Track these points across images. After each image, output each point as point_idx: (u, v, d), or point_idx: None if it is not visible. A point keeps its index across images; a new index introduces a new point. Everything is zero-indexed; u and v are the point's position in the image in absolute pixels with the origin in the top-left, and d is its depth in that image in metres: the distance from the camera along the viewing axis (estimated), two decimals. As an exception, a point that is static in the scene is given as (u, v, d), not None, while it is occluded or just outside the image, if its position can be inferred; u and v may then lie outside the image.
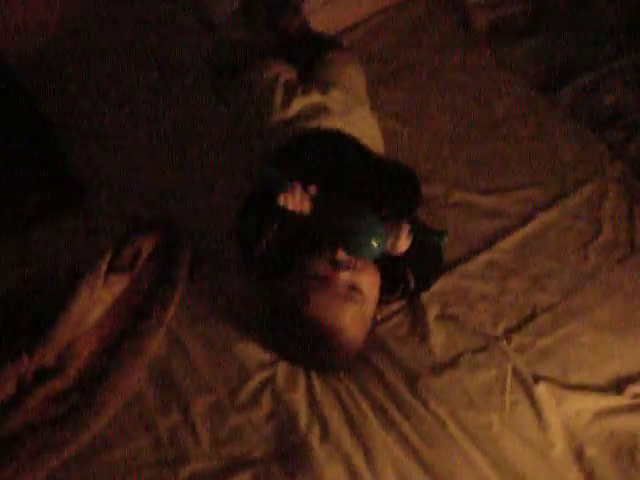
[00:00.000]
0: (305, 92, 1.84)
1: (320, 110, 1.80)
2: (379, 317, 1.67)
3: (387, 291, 1.65)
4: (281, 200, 1.50)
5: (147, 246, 1.73)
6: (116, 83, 2.19)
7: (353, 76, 1.97)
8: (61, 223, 1.88)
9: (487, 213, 1.89)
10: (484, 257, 1.80)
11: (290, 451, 1.51)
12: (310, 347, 1.56)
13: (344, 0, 2.32)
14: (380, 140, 1.87)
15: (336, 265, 1.55)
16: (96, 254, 1.69)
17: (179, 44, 2.24)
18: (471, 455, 1.51)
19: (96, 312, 1.65)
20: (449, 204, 1.91)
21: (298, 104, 1.81)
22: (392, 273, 1.63)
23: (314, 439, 1.52)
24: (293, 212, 1.52)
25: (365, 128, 1.84)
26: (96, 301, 1.64)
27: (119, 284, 1.68)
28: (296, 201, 1.51)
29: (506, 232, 1.85)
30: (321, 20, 2.26)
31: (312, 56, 2.00)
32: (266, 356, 1.65)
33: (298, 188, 1.51)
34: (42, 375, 1.58)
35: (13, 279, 1.75)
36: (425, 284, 1.70)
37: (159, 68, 2.21)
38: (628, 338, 1.67)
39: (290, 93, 1.83)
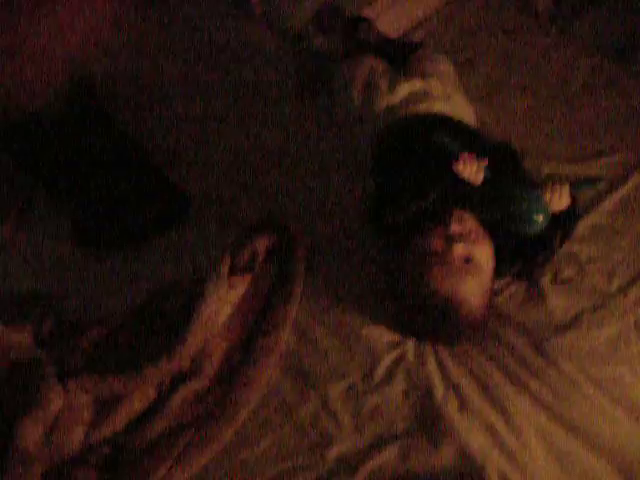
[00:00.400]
0: (407, 79, 1.91)
1: (424, 95, 1.88)
2: (496, 287, 1.71)
3: (506, 262, 1.71)
4: (460, 167, 1.61)
5: (263, 246, 1.81)
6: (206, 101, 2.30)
7: (444, 68, 2.05)
8: (174, 234, 1.97)
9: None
10: (588, 221, 1.84)
11: (431, 423, 1.56)
12: (434, 321, 1.62)
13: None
14: (475, 124, 1.95)
15: (450, 240, 1.60)
16: (215, 259, 1.77)
17: (261, 61, 2.34)
18: (607, 408, 1.54)
19: (224, 314, 1.72)
20: (543, 176, 1.96)
21: (403, 89, 1.89)
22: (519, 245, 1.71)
23: (452, 409, 1.57)
24: (462, 181, 1.62)
25: (465, 113, 1.92)
26: (223, 303, 1.72)
27: (242, 285, 1.75)
28: (472, 170, 1.61)
29: (605, 195, 1.89)
30: (390, 20, 2.35)
31: (399, 57, 2.07)
32: (394, 336, 1.71)
33: (474, 158, 1.60)
34: (179, 379, 1.66)
35: (139, 292, 1.83)
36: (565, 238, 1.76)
37: (242, 85, 2.30)
38: None
39: (393, 80, 1.91)
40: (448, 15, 2.45)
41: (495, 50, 2.32)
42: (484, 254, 1.63)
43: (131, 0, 2.35)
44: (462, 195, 1.66)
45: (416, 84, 1.91)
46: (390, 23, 2.33)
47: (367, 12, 2.33)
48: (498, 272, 1.70)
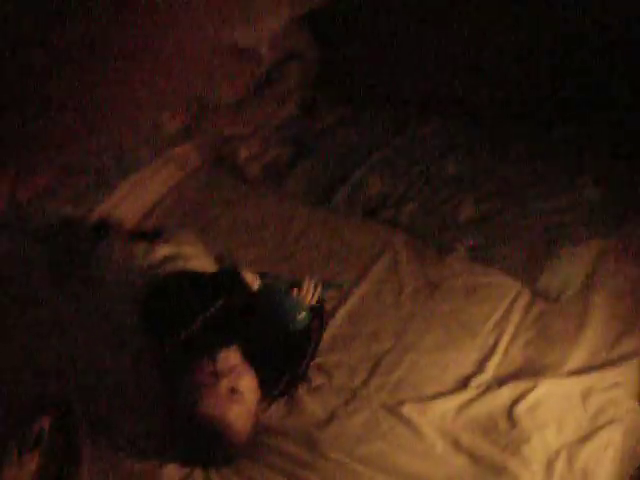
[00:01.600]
0: (163, 245, 2.27)
1: (179, 256, 2.21)
2: (263, 405, 1.98)
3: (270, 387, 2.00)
4: (244, 274, 2.00)
5: (48, 422, 1.93)
6: None
7: (189, 237, 2.42)
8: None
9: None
10: (327, 333, 2.17)
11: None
12: (205, 442, 1.84)
13: (137, 189, 2.74)
14: None
15: (216, 376, 1.87)
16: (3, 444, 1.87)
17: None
18: (376, 478, 1.82)
19: (22, 492, 1.81)
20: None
21: (161, 251, 2.22)
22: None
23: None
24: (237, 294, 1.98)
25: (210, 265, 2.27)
26: (19, 480, 1.81)
27: (32, 461, 1.85)
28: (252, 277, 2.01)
29: (335, 311, 2.26)
30: (125, 210, 2.65)
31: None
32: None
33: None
34: None
35: None
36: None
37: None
38: (456, 348, 2.12)
39: (149, 246, 2.24)
40: (178, 195, 2.81)
41: (224, 218, 2.69)
42: (248, 384, 1.91)
43: None
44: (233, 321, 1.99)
45: (171, 248, 2.24)
46: (128, 211, 2.63)
47: (103, 207, 2.63)
48: (267, 392, 1.98)
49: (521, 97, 3.03)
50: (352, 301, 2.29)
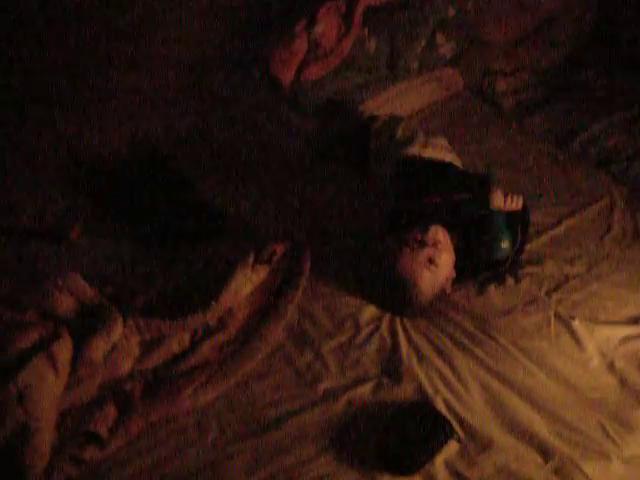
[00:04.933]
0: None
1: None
2: (449, 291, 2.28)
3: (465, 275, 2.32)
4: (493, 190, 2.34)
5: (280, 249, 2.37)
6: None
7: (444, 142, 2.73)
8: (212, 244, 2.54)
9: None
10: (527, 247, 2.43)
11: (396, 369, 2.08)
12: (390, 291, 2.22)
13: (403, 96, 3.10)
14: None
15: (422, 243, 2.20)
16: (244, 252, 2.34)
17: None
18: (530, 369, 2.06)
19: (247, 289, 2.25)
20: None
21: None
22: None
23: (413, 361, 2.09)
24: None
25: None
26: (247, 281, 2.26)
27: (262, 271, 2.30)
28: (499, 197, 2.35)
29: (542, 232, 2.50)
30: (385, 111, 3.02)
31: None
32: (373, 313, 2.25)
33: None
34: (209, 332, 2.18)
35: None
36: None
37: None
38: (638, 290, 2.29)
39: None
40: (432, 113, 3.17)
41: (469, 137, 3.01)
42: (444, 261, 2.22)
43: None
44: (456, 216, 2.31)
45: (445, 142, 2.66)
46: (393, 110, 3.01)
47: (369, 104, 3.02)
48: (461, 278, 2.30)
49: None
50: (560, 228, 2.52)
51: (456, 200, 2.31)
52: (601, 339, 2.14)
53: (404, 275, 2.17)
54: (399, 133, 2.61)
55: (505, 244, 2.29)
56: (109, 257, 2.46)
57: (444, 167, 2.48)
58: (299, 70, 3.03)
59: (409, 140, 2.55)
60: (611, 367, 2.08)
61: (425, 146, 2.53)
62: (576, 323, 2.17)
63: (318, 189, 2.75)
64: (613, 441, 1.87)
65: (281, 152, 2.94)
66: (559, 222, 2.55)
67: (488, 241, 2.29)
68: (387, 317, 2.24)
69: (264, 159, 2.91)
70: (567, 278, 2.33)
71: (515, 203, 2.34)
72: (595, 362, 2.09)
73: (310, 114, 3.02)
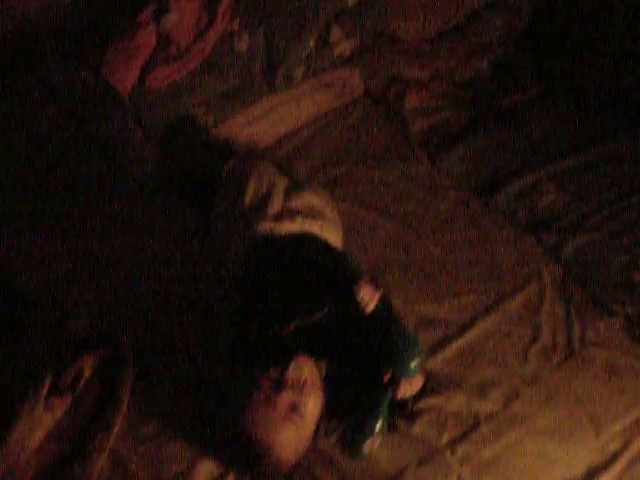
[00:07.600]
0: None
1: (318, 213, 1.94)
2: (322, 432, 1.67)
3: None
4: (360, 289, 1.61)
5: (89, 366, 1.73)
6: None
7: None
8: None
9: (427, 322, 1.92)
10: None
11: None
12: (240, 452, 1.59)
13: (284, 107, 2.39)
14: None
15: (279, 385, 1.58)
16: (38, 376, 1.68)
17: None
18: None
19: (37, 437, 1.63)
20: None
21: (301, 199, 1.96)
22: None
23: None
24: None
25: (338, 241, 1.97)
26: (37, 425, 1.62)
27: (60, 407, 1.67)
28: (371, 295, 1.62)
29: (446, 342, 1.88)
30: (263, 127, 2.33)
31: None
32: (213, 472, 1.65)
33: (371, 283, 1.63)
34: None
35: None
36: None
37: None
38: (570, 442, 1.70)
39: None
40: (321, 128, 2.43)
41: (364, 173, 2.30)
42: (312, 406, 1.60)
43: None
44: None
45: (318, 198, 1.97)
46: (263, 131, 2.32)
47: (239, 119, 2.31)
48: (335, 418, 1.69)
49: None
50: (472, 333, 1.90)
51: (316, 319, 1.66)
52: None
53: (255, 433, 1.55)
54: (248, 194, 1.93)
55: (415, 362, 1.65)
56: None
57: (304, 250, 1.83)
58: (143, 73, 2.25)
59: (260, 207, 1.89)
60: None
61: (280, 218, 1.87)
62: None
63: (151, 244, 2.10)
64: None
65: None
66: (472, 322, 1.92)
67: (389, 362, 1.66)
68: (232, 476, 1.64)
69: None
70: (477, 420, 1.73)
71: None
72: None
73: (154, 136, 2.25)
